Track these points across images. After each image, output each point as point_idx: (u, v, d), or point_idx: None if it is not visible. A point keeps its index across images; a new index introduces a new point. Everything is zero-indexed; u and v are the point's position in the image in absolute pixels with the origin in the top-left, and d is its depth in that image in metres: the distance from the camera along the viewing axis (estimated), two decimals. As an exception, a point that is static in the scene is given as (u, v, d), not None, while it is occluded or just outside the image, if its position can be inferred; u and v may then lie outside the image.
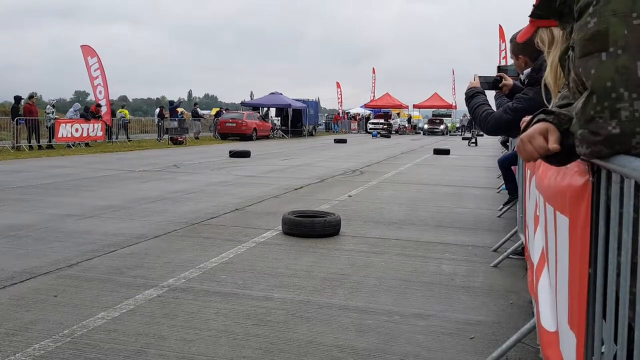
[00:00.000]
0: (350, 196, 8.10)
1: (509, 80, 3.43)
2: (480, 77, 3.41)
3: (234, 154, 15.46)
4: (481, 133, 23.96)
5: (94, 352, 2.66)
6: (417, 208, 7.14)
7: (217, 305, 3.35)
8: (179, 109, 27.63)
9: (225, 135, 27.07)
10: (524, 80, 3.29)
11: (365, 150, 20.13)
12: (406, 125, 46.07)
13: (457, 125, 46.02)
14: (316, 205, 6.96)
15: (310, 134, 35.42)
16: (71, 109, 20.97)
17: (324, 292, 3.66)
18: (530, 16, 1.51)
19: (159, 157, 15.19)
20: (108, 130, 22.15)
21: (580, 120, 1.15)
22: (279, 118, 34.88)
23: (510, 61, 3.53)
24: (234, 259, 4.45)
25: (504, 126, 3.14)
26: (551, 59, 1.89)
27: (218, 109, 35.58)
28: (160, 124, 24.91)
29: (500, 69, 3.63)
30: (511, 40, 3.32)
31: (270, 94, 34.60)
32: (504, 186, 7.24)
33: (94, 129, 20.20)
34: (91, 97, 26.92)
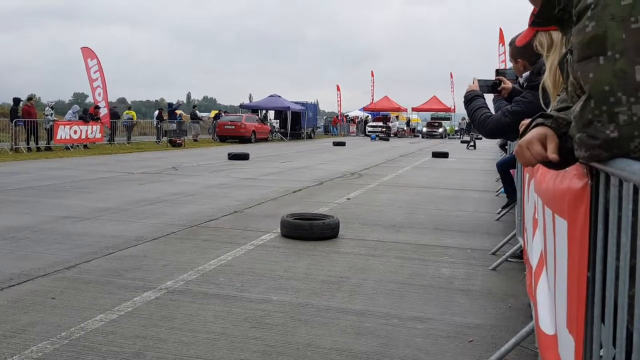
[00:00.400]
0: (348, 199, 8.10)
1: (507, 84, 3.43)
2: (479, 80, 3.42)
3: (232, 157, 15.45)
4: (480, 136, 23.99)
5: (92, 355, 2.65)
6: (415, 211, 7.14)
7: (216, 308, 3.35)
8: (178, 111, 27.66)
9: (224, 137, 27.08)
10: (522, 83, 3.30)
11: (363, 153, 20.15)
12: (405, 128, 46.11)
13: (456, 128, 46.03)
14: (315, 208, 6.96)
15: (309, 137, 35.44)
16: (70, 111, 20.96)
17: (322, 295, 3.66)
18: (530, 25, 1.51)
19: (158, 160, 15.18)
20: (113, 132, 22.37)
21: (579, 124, 1.15)
22: (278, 121, 34.89)
23: (509, 64, 3.54)
24: (232, 262, 4.44)
25: (503, 129, 3.14)
26: (550, 62, 1.89)
27: (217, 112, 35.60)
28: (159, 126, 24.92)
29: (498, 72, 3.64)
30: (510, 44, 3.32)
31: (269, 96, 34.61)
32: (502, 189, 7.26)
33: (93, 131, 20.19)
34: (90, 99, 26.98)
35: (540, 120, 1.31)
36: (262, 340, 2.88)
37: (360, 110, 51.71)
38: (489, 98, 3.48)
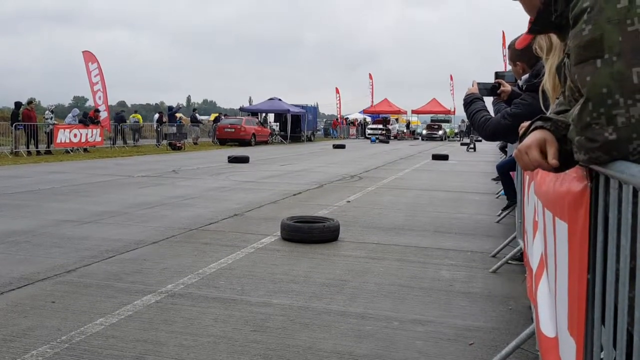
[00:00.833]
0: (349, 202, 8.10)
1: (507, 87, 3.44)
2: (478, 83, 3.42)
3: (232, 160, 15.46)
4: (480, 138, 24.03)
5: (92, 359, 2.65)
6: (415, 214, 7.14)
7: (216, 311, 3.35)
8: (178, 115, 27.68)
9: (223, 140, 27.10)
10: (521, 86, 3.30)
11: (363, 156, 20.15)
12: (405, 130, 46.15)
13: (456, 130, 46.07)
14: (315, 211, 6.96)
15: (309, 140, 35.46)
16: (70, 115, 20.99)
17: (322, 298, 3.65)
18: (528, 33, 1.51)
19: (158, 163, 15.19)
20: (117, 135, 22.59)
21: (577, 127, 1.16)
22: (278, 123, 34.92)
23: (509, 67, 3.54)
24: (232, 265, 4.44)
25: (503, 132, 3.15)
26: (550, 65, 1.89)
27: (217, 115, 35.61)
28: (159, 129, 24.95)
29: (498, 75, 3.64)
30: (509, 47, 3.33)
31: (269, 99, 34.64)
32: (502, 192, 7.26)
33: (93, 134, 20.21)
34: (90, 103, 27.03)
35: (539, 123, 1.31)
36: (262, 343, 2.88)
37: (360, 112, 51.76)
38: (488, 101, 3.48)
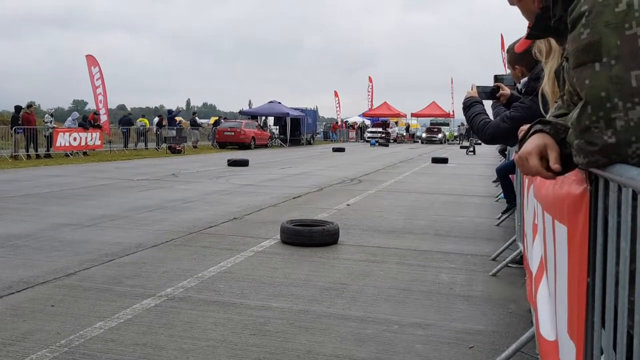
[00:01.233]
0: (348, 205, 8.10)
1: (506, 90, 3.44)
2: (477, 86, 3.43)
3: (232, 163, 15.46)
4: (479, 142, 24.05)
5: (92, 363, 2.64)
6: (415, 217, 7.14)
7: (215, 315, 3.34)
8: (178, 118, 27.72)
9: (223, 144, 27.11)
10: (521, 89, 3.30)
11: (363, 159, 20.16)
12: (404, 134, 46.16)
13: (455, 133, 46.11)
14: (315, 214, 6.95)
15: (309, 143, 35.48)
16: (69, 118, 21.01)
17: (322, 302, 3.65)
18: (526, 38, 1.52)
19: (158, 166, 15.19)
20: (126, 139, 23.04)
21: (576, 130, 1.16)
22: (277, 127, 34.94)
23: (508, 70, 3.55)
24: (232, 268, 4.43)
25: (502, 135, 3.15)
26: (549, 68, 1.90)
27: (216, 118, 35.63)
28: (158, 132, 24.98)
29: (497, 78, 3.65)
30: (508, 51, 3.33)
31: (269, 102, 34.68)
32: (502, 194, 7.26)
33: (92, 137, 20.21)
34: (89, 106, 27.12)
35: (538, 126, 1.31)
36: (262, 347, 2.88)
37: (359, 116, 51.80)
38: (487, 104, 3.49)
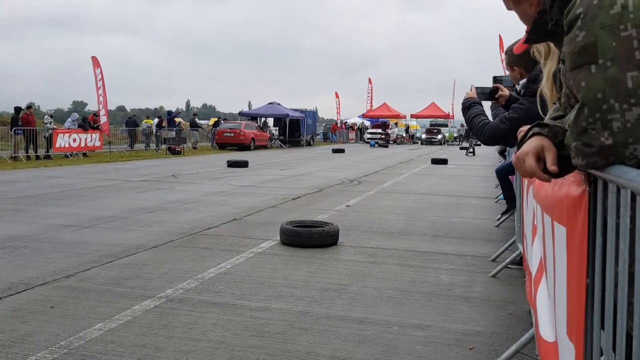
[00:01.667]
0: (348, 206, 8.10)
1: (505, 91, 3.45)
2: (476, 88, 3.43)
3: (231, 164, 15.46)
4: (479, 143, 24.05)
5: (91, 364, 2.64)
6: (415, 218, 7.14)
7: (215, 316, 3.34)
8: (177, 119, 27.73)
9: (223, 145, 27.10)
10: (519, 90, 3.31)
11: (363, 160, 20.16)
12: (404, 135, 46.16)
13: (455, 134, 46.11)
14: (314, 215, 6.95)
15: (308, 144, 35.48)
16: (69, 119, 21.00)
17: (322, 303, 3.65)
18: (525, 42, 1.52)
19: (157, 167, 15.18)
20: (132, 139, 23.29)
21: (574, 132, 1.16)
22: (277, 128, 34.94)
23: (507, 71, 3.55)
24: (231, 270, 4.43)
25: (501, 136, 3.15)
26: (547, 70, 1.90)
27: (216, 119, 35.63)
28: (158, 133, 24.99)
29: (495, 79, 3.66)
30: (506, 53, 3.34)
31: (268, 104, 34.68)
32: (501, 196, 7.26)
33: (92, 139, 20.21)
34: (89, 107, 27.17)
35: (536, 129, 1.31)
36: (262, 348, 2.87)
37: (359, 117, 51.80)
38: (486, 105, 3.49)
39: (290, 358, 2.77)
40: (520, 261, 4.20)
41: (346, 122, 49.71)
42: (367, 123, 48.10)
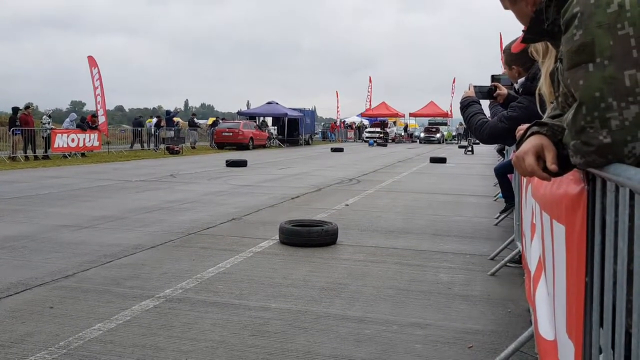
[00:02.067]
0: (347, 205, 8.10)
1: (503, 90, 3.45)
2: (475, 86, 3.43)
3: (230, 164, 15.45)
4: (477, 141, 24.06)
5: (90, 364, 2.64)
6: (414, 217, 7.14)
7: (214, 316, 3.34)
8: (176, 119, 27.70)
9: (221, 144, 27.08)
10: (518, 89, 3.31)
11: (361, 159, 20.16)
12: (402, 133, 46.16)
13: (454, 133, 46.12)
14: (313, 215, 6.95)
15: (307, 143, 35.47)
16: (67, 119, 20.98)
17: (321, 302, 3.65)
18: (522, 42, 1.52)
19: (156, 167, 15.17)
20: (137, 139, 23.59)
21: (572, 131, 1.16)
22: (276, 127, 34.93)
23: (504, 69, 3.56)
24: (230, 269, 4.43)
25: (499, 135, 3.15)
26: (546, 68, 1.90)
27: (215, 119, 35.61)
28: (156, 133, 24.97)
29: (494, 78, 3.66)
30: (504, 51, 3.34)
31: (267, 103, 34.66)
32: (500, 194, 7.27)
33: (90, 139, 20.18)
34: (88, 107, 27.17)
35: (535, 128, 1.31)
36: (261, 348, 2.87)
37: (358, 116, 51.79)
38: (485, 104, 3.49)
39: (290, 357, 2.77)
40: (519, 259, 4.20)
41: (345, 121, 49.70)
42: (366, 122, 48.09)
